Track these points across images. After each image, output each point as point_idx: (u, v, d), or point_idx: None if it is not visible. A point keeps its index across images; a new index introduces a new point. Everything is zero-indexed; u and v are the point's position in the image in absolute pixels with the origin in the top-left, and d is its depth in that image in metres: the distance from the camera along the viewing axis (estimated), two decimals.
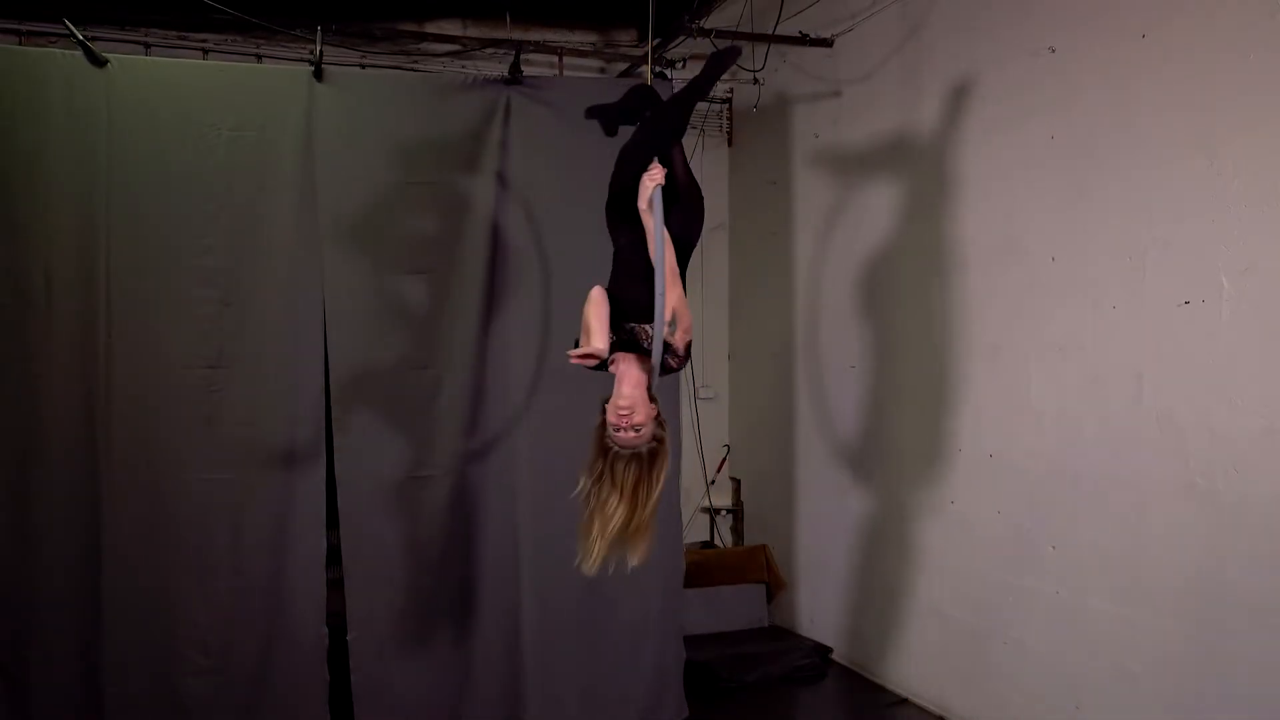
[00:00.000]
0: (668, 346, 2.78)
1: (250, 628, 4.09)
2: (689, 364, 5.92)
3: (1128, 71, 3.51)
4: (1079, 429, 3.74)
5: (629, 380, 2.79)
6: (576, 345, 2.78)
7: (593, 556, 2.74)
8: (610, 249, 3.03)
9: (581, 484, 2.78)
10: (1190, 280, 3.30)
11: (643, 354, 2.80)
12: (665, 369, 2.83)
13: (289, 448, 4.11)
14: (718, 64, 3.16)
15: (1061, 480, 3.82)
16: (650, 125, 3.16)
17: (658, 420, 2.78)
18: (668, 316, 2.76)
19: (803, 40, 5.20)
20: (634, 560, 2.78)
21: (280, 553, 4.10)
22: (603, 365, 2.80)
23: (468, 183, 4.26)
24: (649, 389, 2.79)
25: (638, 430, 2.72)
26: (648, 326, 2.79)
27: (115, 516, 3.94)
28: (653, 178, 2.84)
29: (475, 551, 4.33)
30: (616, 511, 2.73)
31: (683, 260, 2.99)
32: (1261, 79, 3.06)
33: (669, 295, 2.75)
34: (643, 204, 2.86)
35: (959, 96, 4.31)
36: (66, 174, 3.90)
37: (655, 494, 2.76)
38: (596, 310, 2.80)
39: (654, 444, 2.77)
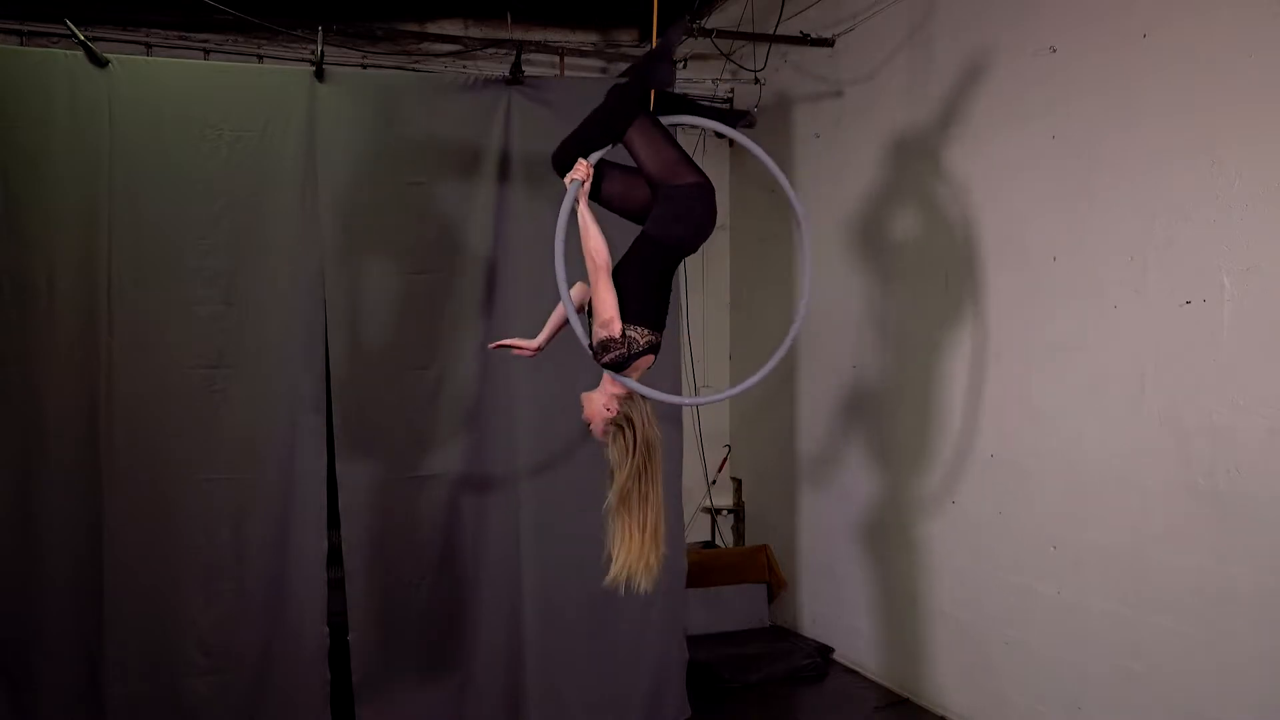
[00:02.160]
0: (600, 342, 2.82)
1: (251, 628, 4.09)
2: (691, 364, 5.89)
3: (1129, 71, 3.51)
4: (1080, 429, 3.74)
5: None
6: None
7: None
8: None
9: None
10: (1192, 280, 3.29)
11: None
12: (609, 365, 2.85)
13: (289, 448, 4.11)
14: (656, 53, 3.04)
15: (1063, 480, 3.82)
16: (585, 119, 3.08)
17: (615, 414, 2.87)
18: (577, 308, 2.91)
19: (804, 40, 5.20)
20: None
21: (280, 553, 4.10)
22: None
23: (469, 183, 4.26)
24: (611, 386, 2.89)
25: (589, 425, 2.89)
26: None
27: (116, 516, 3.95)
28: (571, 176, 2.91)
29: (476, 551, 4.33)
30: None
31: (669, 261, 2.97)
32: (1263, 79, 3.06)
33: (596, 286, 2.79)
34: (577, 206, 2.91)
35: (960, 96, 4.31)
36: (68, 174, 3.90)
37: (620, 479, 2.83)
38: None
39: (614, 430, 2.86)
